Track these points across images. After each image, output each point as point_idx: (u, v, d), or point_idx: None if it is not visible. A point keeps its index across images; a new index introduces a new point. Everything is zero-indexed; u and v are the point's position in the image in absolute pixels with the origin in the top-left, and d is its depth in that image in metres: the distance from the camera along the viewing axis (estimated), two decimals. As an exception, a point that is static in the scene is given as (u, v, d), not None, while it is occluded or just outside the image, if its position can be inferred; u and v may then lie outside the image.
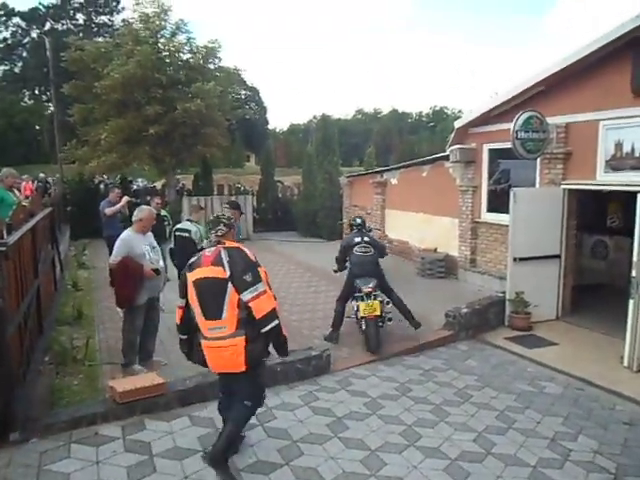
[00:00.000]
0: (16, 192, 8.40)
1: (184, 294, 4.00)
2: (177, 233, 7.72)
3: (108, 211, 9.99)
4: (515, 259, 8.14)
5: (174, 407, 4.79)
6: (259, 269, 3.88)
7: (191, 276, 3.91)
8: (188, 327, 4.09)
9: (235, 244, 4.04)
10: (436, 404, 5.34)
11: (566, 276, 8.59)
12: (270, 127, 74.16)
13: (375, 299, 6.83)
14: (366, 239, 7.57)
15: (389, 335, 7.41)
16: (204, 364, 4.06)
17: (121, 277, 5.48)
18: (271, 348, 4.03)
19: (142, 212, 5.85)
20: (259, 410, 4.30)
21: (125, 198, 10.37)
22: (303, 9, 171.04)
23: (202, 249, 6.05)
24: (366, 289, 6.86)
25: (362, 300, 6.81)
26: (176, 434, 4.36)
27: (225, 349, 3.78)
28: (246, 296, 3.73)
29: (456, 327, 7.54)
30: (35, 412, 4.38)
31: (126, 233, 5.73)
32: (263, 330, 3.79)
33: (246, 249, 3.99)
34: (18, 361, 4.41)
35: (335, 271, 8.10)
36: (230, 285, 3.74)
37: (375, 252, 7.47)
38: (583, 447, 4.55)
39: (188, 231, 7.55)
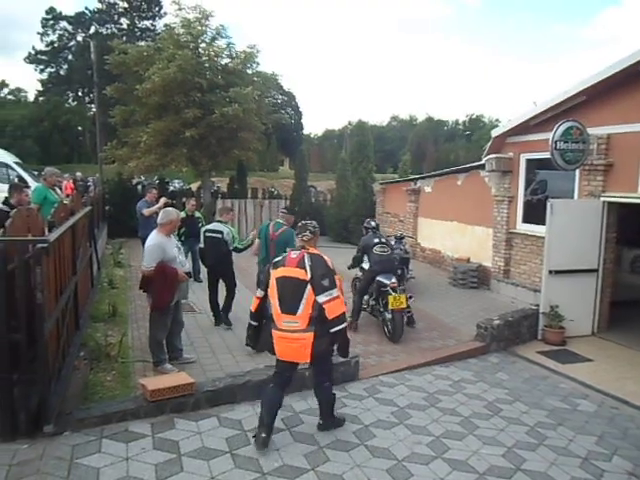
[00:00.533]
0: (57, 191, 8.66)
1: (265, 287, 4.54)
2: (208, 234, 7.82)
3: (146, 211, 10.16)
4: (550, 272, 7.98)
5: (203, 407, 4.84)
6: (335, 276, 4.38)
7: (274, 273, 4.45)
8: (261, 316, 4.68)
9: (317, 251, 4.54)
10: (465, 416, 5.26)
11: (603, 291, 8.38)
12: (305, 132, 74.52)
13: (403, 292, 7.44)
14: (383, 240, 8.24)
15: (418, 344, 7.36)
16: (271, 351, 4.52)
17: (159, 283, 5.54)
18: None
19: (170, 215, 5.89)
20: (287, 414, 4.41)
21: (163, 199, 10.54)
22: (340, 15, 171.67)
23: (236, 249, 7.11)
24: (391, 284, 7.42)
25: (389, 294, 7.32)
26: (204, 434, 4.41)
27: (295, 341, 4.29)
28: (322, 298, 4.24)
29: (487, 339, 7.42)
30: (69, 406, 4.49)
31: (157, 238, 5.70)
32: (332, 330, 4.29)
33: (326, 257, 4.47)
34: (54, 355, 4.53)
35: (349, 267, 8.79)
36: (309, 287, 4.25)
37: (392, 252, 8.21)
38: (617, 468, 4.42)
39: (220, 232, 7.67)
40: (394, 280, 7.50)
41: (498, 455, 4.50)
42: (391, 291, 7.33)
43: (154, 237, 5.70)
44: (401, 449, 4.48)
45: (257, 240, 7.35)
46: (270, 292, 4.46)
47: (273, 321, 4.43)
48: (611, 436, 5.02)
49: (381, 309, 7.65)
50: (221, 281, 7.84)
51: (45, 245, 3.93)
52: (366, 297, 8.11)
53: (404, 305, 7.34)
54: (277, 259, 4.57)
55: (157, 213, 10.28)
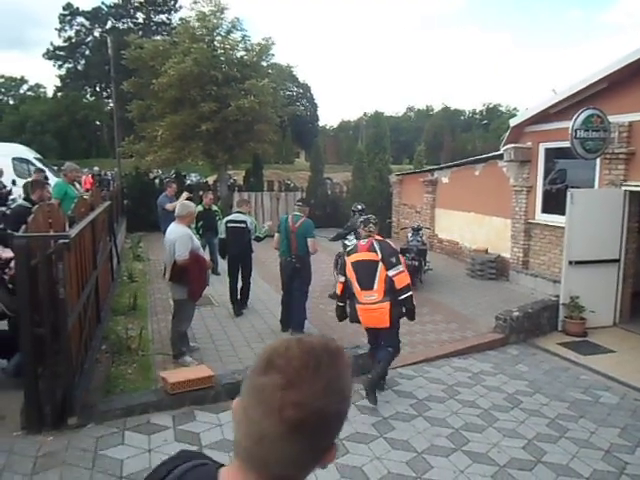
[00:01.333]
0: (77, 185, 8.76)
1: (344, 272, 5.54)
2: (230, 224, 8.04)
3: (169, 206, 10.22)
4: (571, 262, 7.88)
5: (223, 399, 4.88)
6: (399, 255, 5.50)
7: (349, 259, 5.47)
8: (345, 297, 5.63)
9: (380, 237, 5.66)
10: (484, 409, 5.24)
11: (625, 281, 8.26)
12: (320, 123, 74.32)
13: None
14: (373, 221, 9.01)
15: (437, 336, 7.34)
16: (357, 321, 5.54)
17: (197, 271, 5.71)
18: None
19: (189, 207, 6.12)
20: None
21: (185, 194, 10.61)
22: (355, 5, 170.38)
23: (257, 238, 8.06)
24: None
25: (340, 275, 8.16)
26: (225, 426, 4.45)
27: (374, 311, 5.27)
28: (391, 272, 5.24)
29: (507, 330, 7.36)
30: (92, 398, 4.57)
31: (183, 228, 5.84)
32: (400, 298, 5.27)
33: (389, 241, 5.72)
34: (78, 349, 4.61)
35: (330, 240, 9.94)
36: (381, 264, 5.24)
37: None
38: (640, 461, 4.37)
39: (244, 222, 8.00)
40: None
41: (518, 447, 4.47)
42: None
43: (180, 228, 5.82)
44: (420, 441, 4.48)
45: (276, 234, 7.50)
46: (348, 274, 5.42)
47: (355, 297, 5.39)
48: (634, 428, 4.96)
49: None
50: None
51: (67, 241, 3.99)
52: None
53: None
54: (349, 248, 5.79)
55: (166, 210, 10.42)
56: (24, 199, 6.39)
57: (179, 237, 5.70)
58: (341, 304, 5.73)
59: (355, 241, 6.97)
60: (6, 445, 3.94)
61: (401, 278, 5.25)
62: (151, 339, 6.72)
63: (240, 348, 6.48)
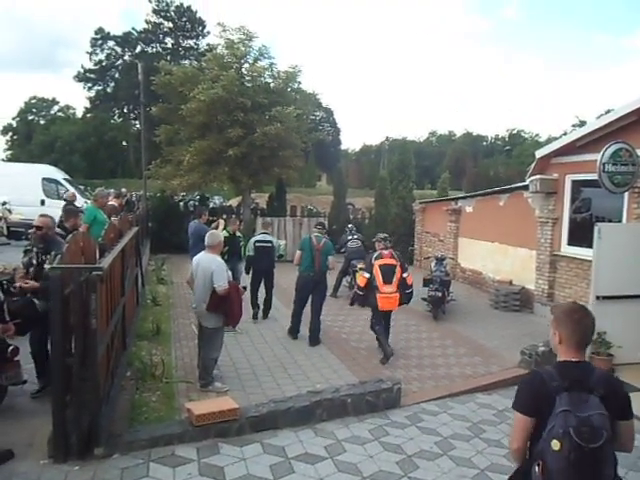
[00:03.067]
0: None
1: (370, 271, 7.61)
2: (259, 244, 9.37)
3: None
4: (598, 297, 7.74)
5: (246, 433, 4.87)
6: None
7: (377, 262, 7.60)
8: (366, 289, 7.72)
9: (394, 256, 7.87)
10: (510, 449, 5.13)
11: (654, 317, 8.08)
12: (342, 147, 74.87)
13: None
14: (356, 237, 11.87)
15: (461, 370, 7.25)
16: (376, 306, 7.59)
17: (237, 299, 5.99)
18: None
19: (219, 236, 6.43)
20: (329, 442, 4.64)
21: (222, 222, 10.78)
22: (378, 30, 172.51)
23: (280, 256, 9.82)
24: (360, 265, 9.59)
25: (357, 272, 9.49)
26: (249, 461, 4.43)
27: (391, 298, 7.52)
28: (405, 274, 7.73)
29: (532, 366, 7.22)
30: (118, 428, 4.60)
31: (217, 258, 6.05)
32: (407, 291, 7.80)
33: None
34: (105, 377, 4.66)
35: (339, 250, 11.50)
36: (398, 268, 7.62)
37: (362, 245, 11.57)
38: (673, 511, 4.23)
39: (270, 242, 9.47)
40: (362, 263, 9.33)
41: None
42: (359, 270, 9.32)
43: (214, 257, 6.02)
44: (446, 482, 4.41)
45: (298, 252, 8.52)
46: (375, 273, 7.53)
47: (377, 289, 7.48)
48: (665, 474, 4.82)
49: (353, 284, 10.57)
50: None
51: (100, 273, 4.07)
52: (347, 278, 11.53)
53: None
54: (376, 255, 7.76)
55: None
56: (58, 226, 6.53)
57: (217, 267, 5.87)
58: (362, 293, 7.96)
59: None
60: (34, 474, 3.98)
61: (410, 278, 7.84)
62: (174, 366, 6.75)
63: (263, 378, 6.47)
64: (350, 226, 12.60)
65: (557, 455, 2.27)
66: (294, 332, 8.39)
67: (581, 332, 2.51)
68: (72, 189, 17.95)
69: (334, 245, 9.19)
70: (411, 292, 7.87)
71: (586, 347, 2.55)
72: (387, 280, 7.43)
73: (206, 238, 6.22)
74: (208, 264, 5.92)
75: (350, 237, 11.66)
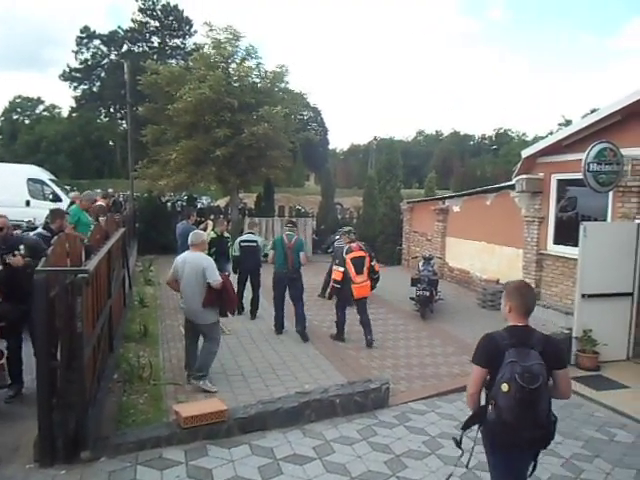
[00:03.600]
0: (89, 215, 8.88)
1: (343, 265, 8.24)
2: (244, 244, 9.54)
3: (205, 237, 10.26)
4: (584, 295, 7.83)
5: (235, 434, 4.86)
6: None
7: (348, 257, 8.23)
8: (342, 282, 8.27)
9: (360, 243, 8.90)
10: (498, 447, 5.16)
11: (638, 314, 8.17)
12: (330, 147, 74.86)
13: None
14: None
15: (448, 369, 7.29)
16: (351, 297, 8.33)
17: (230, 288, 6.27)
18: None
19: (202, 235, 6.65)
20: (317, 443, 4.68)
21: (210, 223, 10.78)
22: (365, 30, 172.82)
23: (266, 255, 9.59)
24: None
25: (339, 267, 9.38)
26: (237, 462, 4.42)
27: (364, 286, 8.27)
28: (373, 263, 8.53)
29: (519, 364, 7.28)
30: (105, 431, 4.57)
31: (204, 255, 6.29)
32: (375, 277, 8.53)
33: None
34: (91, 380, 4.62)
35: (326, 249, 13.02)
36: (367, 258, 8.36)
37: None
38: (658, 506, 4.29)
39: (255, 241, 9.66)
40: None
41: None
42: (342, 265, 9.56)
43: (200, 255, 6.19)
44: (434, 481, 4.43)
45: (271, 251, 8.89)
46: (348, 266, 8.18)
47: (352, 280, 8.17)
48: (651, 470, 4.87)
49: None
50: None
51: (85, 275, 4.03)
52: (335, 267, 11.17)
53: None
54: (346, 249, 8.39)
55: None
56: (43, 227, 6.47)
57: (208, 263, 6.06)
58: (339, 286, 8.38)
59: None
60: (20, 478, 3.94)
61: (377, 266, 8.66)
62: (162, 367, 6.71)
63: (252, 379, 6.45)
64: (346, 229, 12.47)
65: (506, 395, 3.00)
66: (278, 327, 8.74)
67: (526, 303, 3.29)
68: (58, 190, 17.79)
69: (321, 245, 10.56)
70: (378, 277, 8.68)
71: (529, 315, 3.31)
72: (359, 271, 8.20)
73: (190, 237, 6.32)
74: (198, 261, 6.01)
75: (338, 236, 11.64)
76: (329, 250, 12.03)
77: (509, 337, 3.16)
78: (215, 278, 5.92)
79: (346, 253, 8.24)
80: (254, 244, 9.56)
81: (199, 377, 6.01)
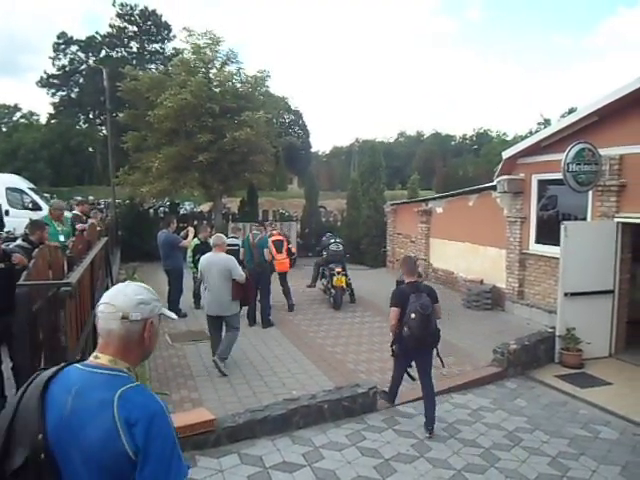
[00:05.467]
0: (58, 225, 8.67)
1: (267, 246, 9.74)
2: (228, 247, 9.72)
3: (186, 243, 10.28)
4: (566, 294, 7.93)
5: (223, 443, 4.84)
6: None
7: (270, 239, 10.11)
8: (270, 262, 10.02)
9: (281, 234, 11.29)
10: (485, 447, 5.22)
11: (620, 312, 8.31)
12: (313, 150, 74.91)
13: (344, 276, 10.93)
14: (338, 241, 12.08)
15: (435, 370, 7.32)
16: (274, 270, 10.14)
17: (250, 283, 7.65)
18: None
19: (223, 237, 7.66)
20: (306, 449, 4.70)
21: (191, 230, 10.69)
22: (345, 32, 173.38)
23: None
24: (337, 269, 10.84)
25: (335, 275, 10.78)
26: (226, 472, 4.40)
27: (283, 262, 10.35)
28: (290, 245, 11.17)
29: (505, 364, 7.36)
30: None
31: (228, 256, 7.24)
32: (292, 257, 11.57)
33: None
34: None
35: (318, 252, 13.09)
36: (285, 242, 10.68)
37: (343, 249, 11.82)
38: (643, 501, 4.36)
39: (237, 245, 10.27)
40: (339, 268, 10.88)
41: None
42: (336, 274, 10.75)
43: (225, 256, 7.16)
44: (423, 484, 4.45)
45: (241, 249, 9.99)
46: (270, 246, 9.85)
47: (274, 257, 10.00)
48: (635, 465, 4.95)
49: (329, 287, 11.12)
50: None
51: (68, 289, 3.98)
52: (323, 281, 11.79)
53: (343, 284, 10.89)
54: (268, 234, 10.47)
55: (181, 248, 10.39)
56: (23, 239, 6.36)
57: (233, 263, 7.14)
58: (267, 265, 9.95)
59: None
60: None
61: (294, 248, 11.51)
62: (148, 377, 6.66)
63: (239, 386, 6.43)
64: (330, 234, 13.54)
65: (413, 320, 5.37)
66: (250, 319, 9.45)
67: (410, 269, 5.86)
68: (38, 199, 17.54)
69: (315, 247, 13.18)
70: (295, 257, 12.13)
71: (414, 275, 5.84)
72: (279, 250, 10.22)
73: (212, 240, 7.58)
74: (225, 262, 7.05)
75: (332, 240, 12.16)
76: (322, 253, 12.22)
77: (409, 288, 5.65)
78: (241, 274, 7.06)
79: (269, 237, 10.19)
80: (236, 247, 10.07)
81: (222, 359, 6.89)
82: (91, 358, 1.80)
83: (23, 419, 1.67)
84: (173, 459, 1.67)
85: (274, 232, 10.83)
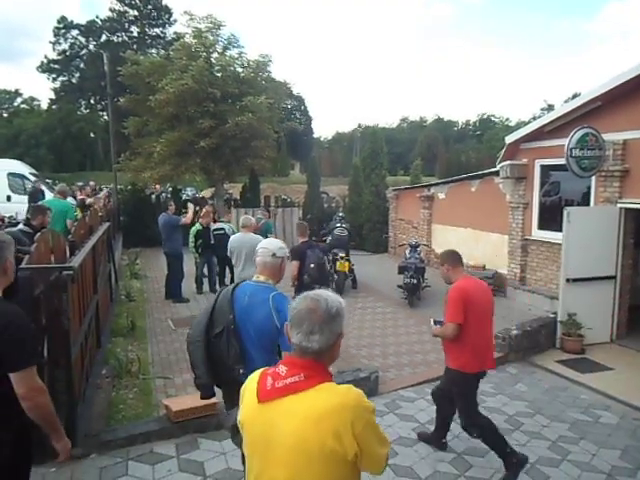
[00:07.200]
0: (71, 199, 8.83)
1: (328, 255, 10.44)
2: (215, 232, 10.30)
3: (187, 219, 10.51)
4: (568, 280, 7.93)
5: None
6: None
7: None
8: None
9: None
10: (486, 431, 5.23)
11: (621, 297, 8.32)
12: (315, 135, 74.61)
13: (347, 261, 10.90)
14: (344, 226, 12.06)
15: (437, 355, 7.35)
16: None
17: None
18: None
19: (250, 219, 7.70)
20: None
21: (191, 206, 11.09)
22: (348, 17, 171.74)
23: None
24: (341, 254, 10.81)
25: (338, 260, 10.73)
26: (228, 455, 4.43)
27: None
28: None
29: (506, 349, 7.38)
30: (94, 427, 4.55)
31: (256, 235, 7.35)
32: None
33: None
34: (79, 377, 4.59)
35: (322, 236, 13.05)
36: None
37: (348, 234, 11.81)
38: (642, 484, 4.39)
39: (223, 229, 10.29)
40: (343, 253, 10.89)
41: (521, 472, 4.47)
42: (340, 259, 10.69)
43: (254, 236, 7.21)
44: (424, 468, 4.48)
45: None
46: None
47: None
48: (635, 449, 4.98)
49: (332, 272, 10.78)
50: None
51: (70, 273, 3.99)
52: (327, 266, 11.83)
53: (346, 269, 10.83)
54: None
55: (183, 226, 10.49)
56: (25, 224, 6.36)
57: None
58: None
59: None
60: (9, 478, 3.91)
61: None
62: (151, 362, 6.70)
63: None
64: (341, 214, 13.86)
65: (313, 269, 7.10)
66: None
67: (303, 230, 7.75)
68: (41, 184, 17.51)
69: (320, 231, 13.30)
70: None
71: (306, 235, 7.66)
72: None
73: (241, 221, 7.62)
74: (254, 241, 6.94)
75: (338, 225, 12.11)
76: (324, 238, 12.31)
77: (304, 246, 7.26)
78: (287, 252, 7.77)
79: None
80: (221, 231, 10.21)
81: None
82: (254, 277, 3.33)
83: (220, 307, 3.21)
84: None
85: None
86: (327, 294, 1.98)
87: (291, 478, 1.76)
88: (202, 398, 3.36)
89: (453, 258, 4.54)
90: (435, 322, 4.72)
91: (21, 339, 2.38)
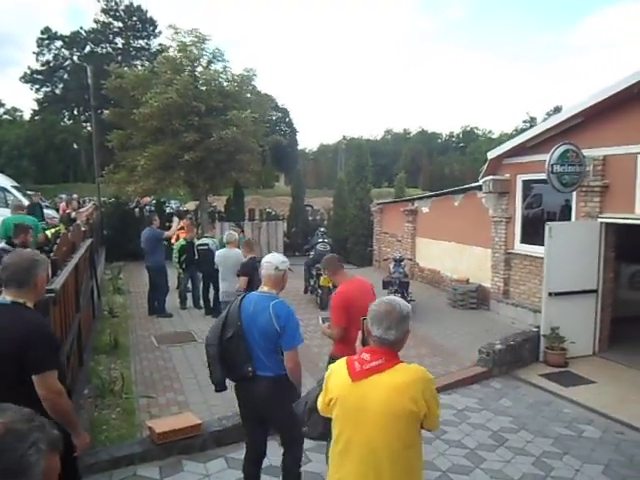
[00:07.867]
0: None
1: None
2: (200, 247, 10.33)
3: (171, 232, 10.67)
4: (550, 294, 8.01)
5: (210, 448, 4.82)
6: None
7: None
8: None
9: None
10: (471, 448, 5.26)
11: (603, 310, 8.41)
12: (300, 147, 74.80)
13: None
14: (327, 241, 12.36)
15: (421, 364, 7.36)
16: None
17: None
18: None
19: (234, 235, 8.59)
20: None
21: (175, 219, 11.17)
22: (332, 30, 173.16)
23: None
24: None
25: (321, 275, 10.36)
26: (213, 477, 4.39)
27: None
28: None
29: (490, 364, 7.43)
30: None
31: (240, 251, 8.01)
32: None
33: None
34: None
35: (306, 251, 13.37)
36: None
37: (330, 248, 11.79)
38: (625, 500, 4.42)
39: (207, 244, 10.32)
40: None
41: (507, 490, 4.49)
42: (322, 274, 10.29)
43: (238, 252, 8.11)
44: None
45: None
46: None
47: None
48: (618, 464, 5.02)
49: (316, 287, 11.16)
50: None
51: (52, 295, 3.94)
52: (311, 281, 11.75)
53: (330, 284, 10.03)
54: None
55: (166, 240, 10.49)
56: (6, 242, 6.27)
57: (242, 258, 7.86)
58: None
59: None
60: (-12, 505, 3.83)
61: None
62: (134, 380, 6.62)
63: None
64: (322, 229, 13.89)
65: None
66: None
67: (250, 247, 7.86)
68: (22, 197, 17.27)
69: (303, 246, 13.67)
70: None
71: (253, 251, 7.72)
72: None
73: (225, 237, 8.46)
74: (237, 257, 7.93)
75: (320, 240, 12.27)
76: (308, 253, 12.34)
77: (253, 261, 7.15)
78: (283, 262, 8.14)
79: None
80: (205, 247, 10.23)
81: None
82: (260, 289, 3.84)
83: (231, 315, 3.70)
84: (297, 331, 3.68)
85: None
86: (399, 300, 2.62)
87: (383, 432, 2.38)
88: (216, 391, 3.95)
89: (333, 264, 4.93)
90: (323, 320, 4.84)
91: (45, 345, 2.74)
